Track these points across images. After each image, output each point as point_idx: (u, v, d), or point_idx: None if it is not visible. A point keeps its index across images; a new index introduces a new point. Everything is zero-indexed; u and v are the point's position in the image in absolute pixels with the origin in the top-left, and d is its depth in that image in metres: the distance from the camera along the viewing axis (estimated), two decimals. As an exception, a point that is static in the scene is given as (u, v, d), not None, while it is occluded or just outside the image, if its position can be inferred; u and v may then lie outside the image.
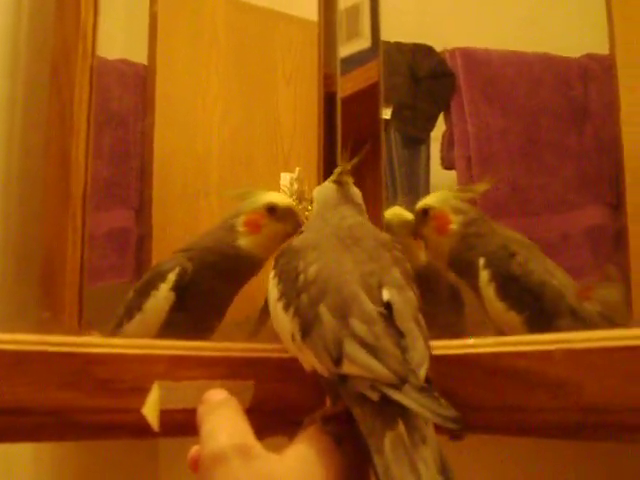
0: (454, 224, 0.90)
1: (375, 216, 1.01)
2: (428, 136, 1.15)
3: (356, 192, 0.80)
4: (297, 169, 1.23)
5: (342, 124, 1.21)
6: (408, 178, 1.14)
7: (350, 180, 0.80)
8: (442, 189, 0.97)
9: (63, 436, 0.64)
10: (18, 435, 0.62)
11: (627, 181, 0.88)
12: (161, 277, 0.92)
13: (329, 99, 1.24)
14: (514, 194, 1.03)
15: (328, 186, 0.80)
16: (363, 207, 0.79)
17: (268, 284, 0.71)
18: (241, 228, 0.94)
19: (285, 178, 1.21)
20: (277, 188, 1.17)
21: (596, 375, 0.55)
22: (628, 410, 0.54)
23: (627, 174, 0.88)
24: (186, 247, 0.96)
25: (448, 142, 1.10)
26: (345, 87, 1.22)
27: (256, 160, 1.24)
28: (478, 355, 0.63)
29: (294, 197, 1.18)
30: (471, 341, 0.65)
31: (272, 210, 0.93)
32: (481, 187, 0.95)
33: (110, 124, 1.13)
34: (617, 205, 0.94)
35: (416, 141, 1.15)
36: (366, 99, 1.17)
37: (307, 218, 1.03)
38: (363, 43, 1.22)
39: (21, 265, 1.11)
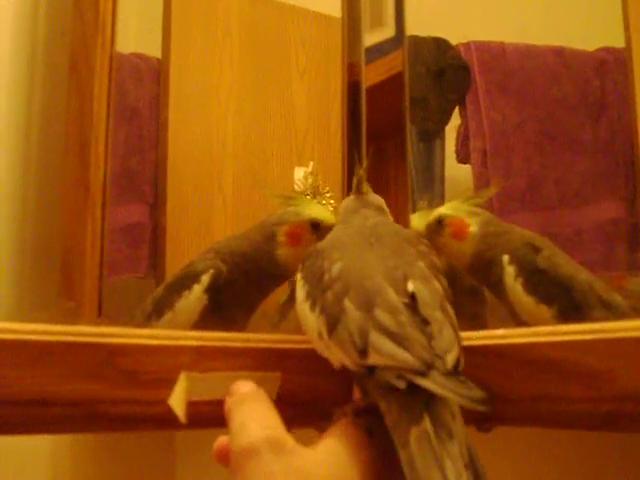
0: (472, 226, 0.89)
1: (402, 211, 1.01)
2: (443, 130, 1.14)
3: (377, 198, 0.81)
4: (311, 163, 1.23)
5: (367, 114, 1.20)
6: (423, 172, 1.14)
7: (369, 189, 0.81)
8: (454, 199, 0.96)
9: (88, 428, 0.63)
10: (43, 427, 0.61)
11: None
12: (195, 278, 0.90)
13: (352, 89, 1.24)
14: (529, 188, 1.03)
15: (348, 198, 0.81)
16: (386, 210, 0.80)
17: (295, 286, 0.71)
18: (282, 238, 0.90)
19: (299, 172, 1.21)
20: (291, 182, 1.17)
21: (630, 364, 0.55)
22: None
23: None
24: (219, 247, 0.94)
25: (463, 136, 1.10)
26: (368, 77, 1.21)
27: (270, 154, 1.23)
28: (508, 346, 0.63)
29: (308, 191, 1.17)
30: (500, 332, 0.64)
31: (316, 226, 0.90)
32: (489, 192, 0.94)
33: (124, 118, 1.13)
34: (632, 200, 0.93)
35: (431, 135, 1.15)
36: (389, 90, 1.17)
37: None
38: (387, 32, 1.22)
39: (40, 256, 1.11)
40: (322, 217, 0.90)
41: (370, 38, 1.24)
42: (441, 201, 1.10)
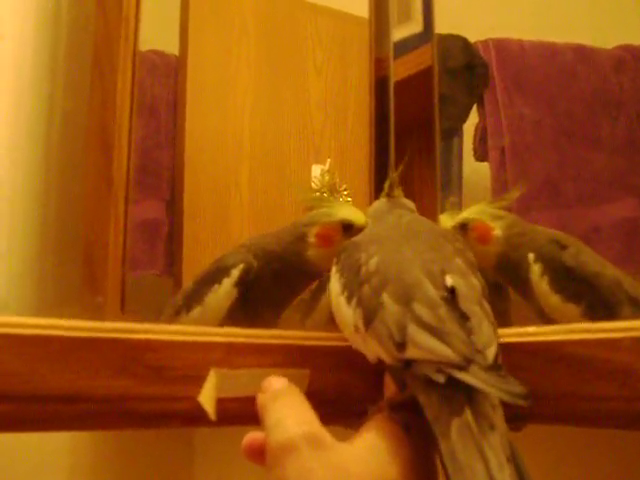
0: (497, 229, 0.89)
1: (428, 210, 1.01)
2: (461, 128, 1.14)
3: (408, 201, 0.81)
4: (328, 160, 1.23)
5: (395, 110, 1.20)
6: (441, 170, 1.14)
7: (400, 193, 0.81)
8: (477, 202, 0.96)
9: (116, 424, 0.63)
10: (71, 423, 0.61)
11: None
12: (225, 271, 0.89)
13: (380, 85, 1.23)
14: (547, 186, 1.02)
15: (379, 201, 0.82)
16: (416, 213, 0.80)
17: (330, 279, 0.71)
18: (312, 239, 0.89)
19: (316, 169, 1.21)
20: (308, 180, 1.17)
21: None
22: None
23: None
24: (250, 243, 0.93)
25: (481, 134, 1.09)
26: (396, 72, 1.21)
27: (287, 151, 1.23)
28: (539, 343, 0.62)
29: (325, 189, 1.17)
30: (532, 329, 0.64)
31: (348, 228, 0.88)
32: (513, 194, 0.93)
33: (142, 115, 1.13)
34: (651, 198, 0.93)
35: (449, 133, 1.15)
36: (414, 86, 1.17)
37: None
38: (415, 27, 1.21)
39: (63, 251, 1.11)
40: (353, 218, 0.89)
41: (398, 33, 1.24)
42: (459, 200, 1.10)
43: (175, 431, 1.29)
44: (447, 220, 1.00)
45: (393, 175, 0.81)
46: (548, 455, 0.87)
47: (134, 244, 1.10)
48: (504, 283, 0.91)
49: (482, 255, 0.89)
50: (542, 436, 0.81)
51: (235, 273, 0.89)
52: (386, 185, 0.81)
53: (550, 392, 0.62)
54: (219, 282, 0.89)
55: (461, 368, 0.55)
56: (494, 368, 0.56)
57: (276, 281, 0.90)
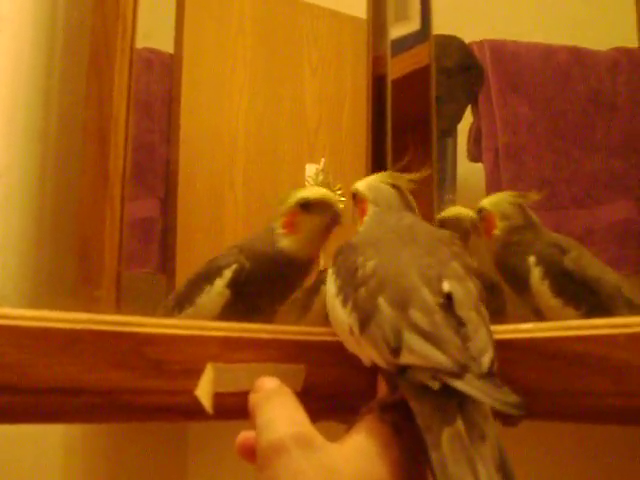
0: (498, 230, 0.90)
1: (426, 208, 1.01)
2: (455, 128, 1.14)
3: (412, 198, 0.81)
4: (322, 160, 1.23)
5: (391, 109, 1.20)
6: (435, 170, 1.14)
7: (407, 185, 0.81)
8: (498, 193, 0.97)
9: (114, 417, 0.63)
10: (70, 415, 0.61)
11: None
12: (217, 272, 0.90)
13: (377, 83, 1.24)
14: (541, 187, 1.02)
15: (387, 189, 0.81)
16: (418, 212, 0.80)
17: (326, 280, 0.71)
18: (280, 230, 0.91)
19: (310, 169, 1.21)
20: (302, 179, 1.17)
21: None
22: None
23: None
24: (242, 244, 0.94)
25: (475, 135, 1.10)
26: (393, 70, 1.22)
27: (281, 150, 1.24)
28: (535, 340, 0.62)
29: (320, 188, 1.17)
30: (528, 326, 0.64)
31: (305, 206, 0.91)
32: (534, 196, 0.94)
33: (137, 113, 1.13)
34: (645, 200, 0.94)
35: (443, 133, 1.15)
36: (411, 84, 1.17)
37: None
38: (412, 26, 1.22)
39: (59, 245, 1.10)
40: (307, 195, 0.91)
41: (395, 32, 1.24)
42: (453, 200, 1.10)
43: (169, 428, 1.29)
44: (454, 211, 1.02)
45: (401, 176, 0.81)
46: (540, 450, 0.87)
47: (128, 242, 1.10)
48: (505, 281, 0.91)
49: (486, 246, 0.90)
50: (536, 431, 0.81)
51: (227, 274, 0.89)
52: (391, 174, 0.82)
53: (546, 388, 0.62)
54: (211, 283, 0.90)
55: (455, 376, 0.55)
56: (489, 376, 0.55)
57: (269, 278, 0.90)
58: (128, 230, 1.10)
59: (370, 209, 0.80)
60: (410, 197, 0.80)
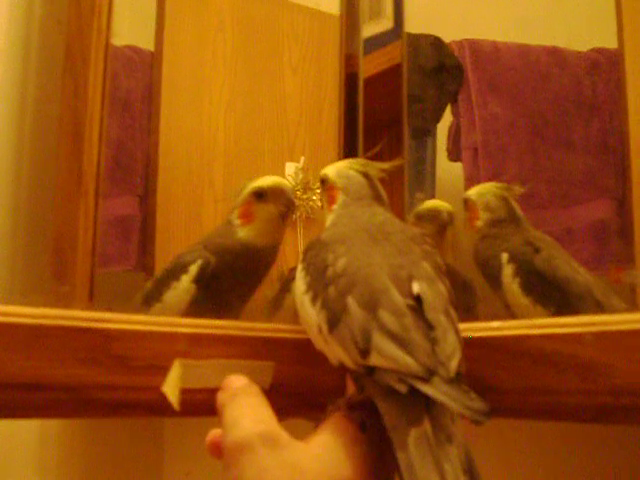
0: (480, 221, 0.90)
1: (396, 204, 1.02)
2: (435, 128, 1.14)
3: (381, 187, 0.80)
4: (302, 158, 1.23)
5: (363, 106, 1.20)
6: (414, 169, 1.14)
7: (377, 174, 0.80)
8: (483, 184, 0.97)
9: (79, 413, 0.63)
10: (35, 411, 0.61)
11: (633, 175, 0.88)
12: (183, 269, 0.91)
13: (349, 81, 1.24)
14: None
15: (357, 178, 0.80)
16: (387, 202, 0.79)
17: (295, 276, 0.70)
18: (237, 221, 0.93)
19: (290, 168, 1.21)
20: (282, 177, 1.17)
21: (626, 357, 0.55)
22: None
23: (634, 169, 0.88)
24: (206, 240, 0.95)
25: (455, 134, 1.10)
26: (365, 68, 1.22)
27: (261, 149, 1.23)
28: (503, 338, 0.63)
29: (299, 186, 1.17)
30: (495, 324, 0.64)
31: (259, 195, 0.92)
32: (519, 189, 0.94)
33: (116, 110, 1.12)
34: (622, 200, 0.94)
35: (423, 133, 1.15)
36: (385, 82, 1.17)
37: (312, 207, 1.02)
38: (386, 24, 1.22)
39: (33, 240, 1.10)
40: (261, 184, 0.93)
41: (368, 29, 1.24)
42: (423, 198, 1.10)
43: (145, 422, 1.29)
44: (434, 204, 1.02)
45: (373, 164, 0.80)
46: (507, 447, 0.87)
47: (107, 239, 1.10)
48: (482, 275, 0.91)
49: (469, 237, 0.91)
50: (503, 429, 0.82)
51: (193, 269, 0.90)
52: (362, 162, 0.81)
53: (513, 386, 0.62)
54: (177, 279, 0.90)
55: (423, 380, 0.55)
56: (456, 381, 0.55)
57: (232, 272, 0.91)
58: (107, 228, 1.10)
59: (339, 198, 0.79)
60: (380, 186, 0.80)
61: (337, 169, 0.82)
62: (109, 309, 0.63)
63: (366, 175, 0.80)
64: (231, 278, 0.91)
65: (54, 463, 1.19)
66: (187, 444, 1.27)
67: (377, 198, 0.78)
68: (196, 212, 1.16)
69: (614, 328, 0.56)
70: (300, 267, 0.70)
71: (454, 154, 1.10)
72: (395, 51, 1.17)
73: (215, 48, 1.22)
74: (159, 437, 1.32)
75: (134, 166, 1.15)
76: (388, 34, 1.21)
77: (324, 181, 0.83)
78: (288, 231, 1.11)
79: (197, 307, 0.89)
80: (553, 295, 0.81)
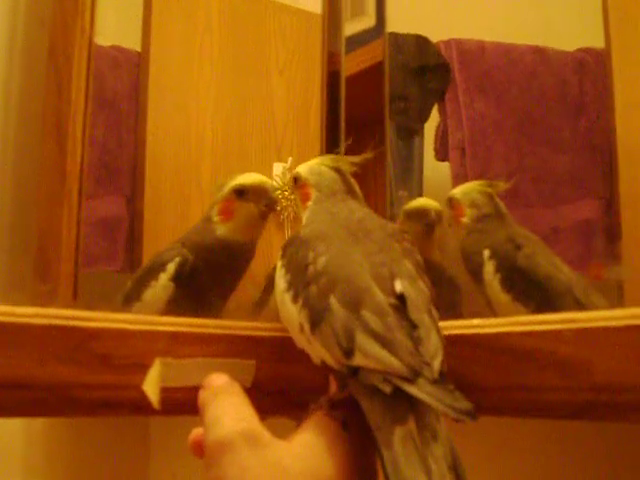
0: (466, 217, 0.90)
1: (379, 202, 1.02)
2: (422, 127, 1.14)
3: (354, 181, 0.80)
4: (289, 159, 1.23)
5: (345, 104, 1.20)
6: (402, 169, 1.14)
7: (349, 168, 0.80)
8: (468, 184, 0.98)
9: (60, 412, 0.63)
10: (15, 410, 0.61)
11: (620, 175, 0.88)
12: (161, 267, 0.91)
13: (332, 79, 1.24)
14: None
15: (328, 173, 0.80)
16: (361, 196, 0.79)
17: (275, 273, 0.70)
18: (216, 218, 0.93)
19: (278, 168, 1.21)
20: (270, 178, 1.17)
21: (606, 354, 0.55)
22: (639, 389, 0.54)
23: (621, 168, 0.88)
24: (184, 238, 0.95)
25: (442, 134, 1.10)
26: (348, 67, 1.22)
27: (249, 149, 1.23)
28: (484, 335, 0.63)
29: (286, 187, 1.17)
30: (476, 321, 0.64)
31: (240, 192, 0.93)
32: (502, 185, 0.94)
33: (102, 111, 1.12)
34: (610, 199, 0.93)
35: (410, 132, 1.15)
36: (369, 80, 1.17)
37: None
38: (368, 22, 1.22)
39: (16, 238, 1.10)
40: (243, 182, 0.93)
41: (350, 27, 1.24)
42: (406, 196, 1.10)
43: (131, 421, 1.28)
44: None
45: (340, 149, 0.81)
46: (490, 445, 0.87)
47: (94, 239, 1.09)
48: (466, 271, 0.91)
49: (455, 235, 0.91)
50: (485, 427, 0.82)
51: (171, 267, 0.90)
52: (334, 157, 0.82)
53: (495, 384, 0.62)
54: (156, 278, 0.91)
55: (408, 380, 0.55)
56: (441, 381, 0.55)
57: (212, 269, 0.91)
58: (94, 228, 1.09)
59: (313, 194, 0.79)
60: (353, 181, 0.80)
61: (309, 166, 0.82)
62: (89, 308, 0.63)
63: (338, 170, 0.80)
64: (210, 275, 0.91)
65: (40, 463, 1.19)
66: (173, 441, 1.27)
67: (350, 192, 0.78)
68: (183, 212, 1.16)
69: (594, 325, 0.56)
70: (280, 264, 0.70)
71: (442, 153, 1.10)
72: (378, 49, 1.17)
73: (202, 48, 1.22)
74: (145, 435, 1.32)
75: (121, 166, 1.15)
76: (370, 32, 1.21)
77: (296, 179, 0.83)
78: (276, 231, 1.12)
79: (177, 305, 0.90)
80: (533, 292, 0.81)
